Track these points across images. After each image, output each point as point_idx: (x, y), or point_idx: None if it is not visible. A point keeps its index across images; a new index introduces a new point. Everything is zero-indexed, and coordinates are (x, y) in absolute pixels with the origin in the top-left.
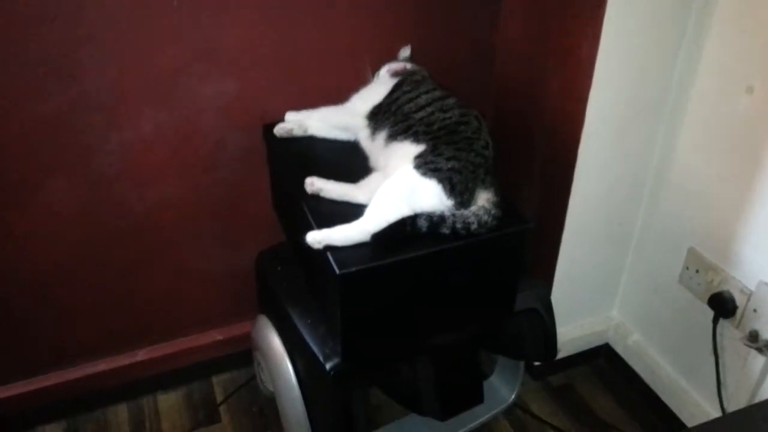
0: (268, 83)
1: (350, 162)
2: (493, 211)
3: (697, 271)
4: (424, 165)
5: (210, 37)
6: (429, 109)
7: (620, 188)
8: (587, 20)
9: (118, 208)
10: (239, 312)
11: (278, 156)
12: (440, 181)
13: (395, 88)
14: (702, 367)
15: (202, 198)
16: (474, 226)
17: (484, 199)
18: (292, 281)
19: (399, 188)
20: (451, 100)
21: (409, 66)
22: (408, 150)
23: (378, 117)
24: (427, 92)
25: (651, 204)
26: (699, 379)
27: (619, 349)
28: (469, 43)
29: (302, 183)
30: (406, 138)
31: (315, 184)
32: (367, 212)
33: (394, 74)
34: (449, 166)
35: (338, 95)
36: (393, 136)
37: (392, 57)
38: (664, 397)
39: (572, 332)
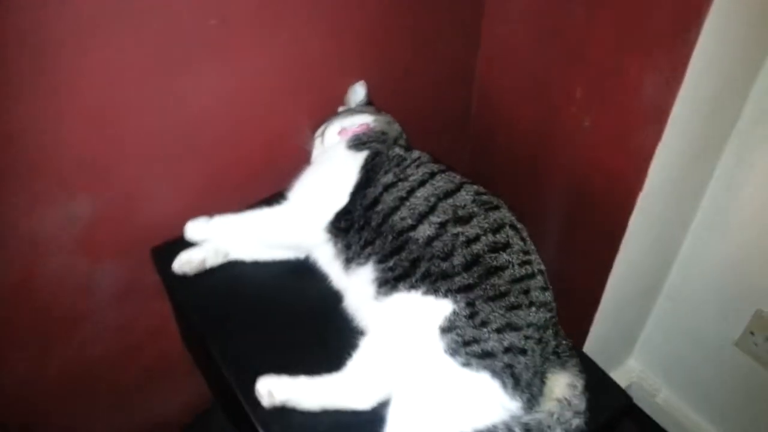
0: (145, 177)
1: (310, 304)
2: (581, 405)
3: None
4: (464, 347)
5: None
6: (435, 219)
7: (663, 232)
8: (667, 46)
9: None
10: None
11: (183, 303)
12: (496, 374)
13: (366, 177)
14: None
15: (70, 364)
16: None
17: (563, 384)
18: None
19: (429, 402)
20: (465, 195)
21: (371, 121)
22: (422, 311)
23: (350, 234)
24: (422, 183)
25: (694, 249)
26: None
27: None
28: (440, 61)
29: (237, 367)
30: (413, 287)
31: (275, 393)
32: None
33: (355, 141)
34: (506, 344)
35: (265, 178)
36: (388, 283)
37: (338, 101)
38: None
39: None
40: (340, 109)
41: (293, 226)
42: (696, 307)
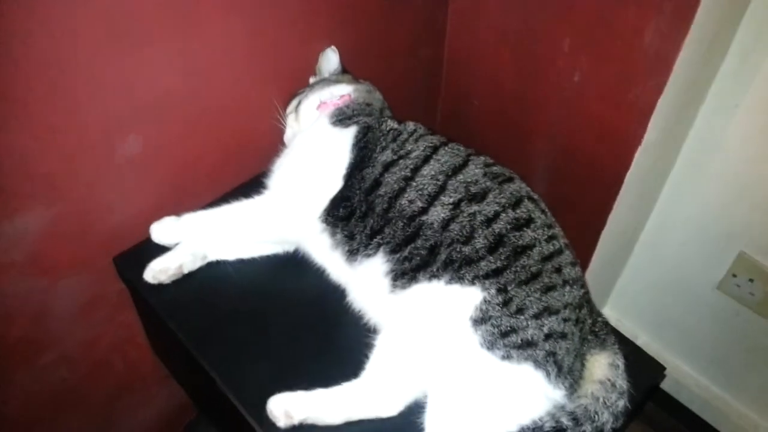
0: (100, 177)
1: (307, 302)
2: (625, 385)
3: (751, 281)
4: (501, 339)
5: None
6: (447, 200)
7: (649, 182)
8: None
9: None
10: None
11: (159, 314)
12: (539, 364)
13: (361, 156)
14: (747, 377)
15: (34, 393)
16: (609, 426)
17: (604, 364)
18: None
19: (469, 403)
20: (474, 169)
21: (351, 91)
22: (448, 302)
23: (351, 223)
24: (426, 159)
25: (674, 195)
26: (741, 390)
27: None
28: (406, 19)
29: (237, 383)
30: (434, 277)
31: (293, 412)
32: None
33: (340, 116)
34: (546, 330)
35: (236, 164)
36: (405, 275)
37: (308, 71)
38: (699, 411)
39: None
40: (312, 79)
41: (282, 219)
42: (676, 253)
